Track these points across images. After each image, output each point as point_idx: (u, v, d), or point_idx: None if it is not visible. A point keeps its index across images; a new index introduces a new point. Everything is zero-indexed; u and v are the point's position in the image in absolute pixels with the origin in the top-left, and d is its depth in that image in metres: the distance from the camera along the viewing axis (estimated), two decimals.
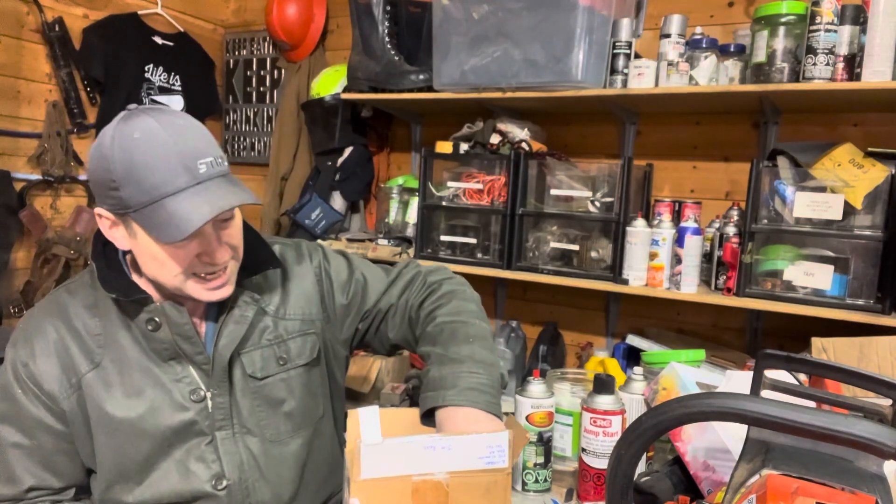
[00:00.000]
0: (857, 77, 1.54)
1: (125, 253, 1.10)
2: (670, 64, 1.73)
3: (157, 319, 1.05)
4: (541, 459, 1.31)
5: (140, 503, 1.08)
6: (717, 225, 1.79)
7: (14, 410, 1.06)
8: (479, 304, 1.23)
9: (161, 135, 0.95)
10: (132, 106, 1.02)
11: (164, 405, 1.07)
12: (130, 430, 1.06)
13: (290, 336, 1.18)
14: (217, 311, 1.12)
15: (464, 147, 2.08)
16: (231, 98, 2.91)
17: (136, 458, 1.07)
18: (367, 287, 1.26)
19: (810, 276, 1.58)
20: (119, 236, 1.03)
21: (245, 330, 1.11)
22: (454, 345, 1.09)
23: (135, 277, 1.09)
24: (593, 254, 1.87)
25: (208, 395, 1.09)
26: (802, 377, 1.19)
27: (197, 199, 0.95)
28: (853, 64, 1.56)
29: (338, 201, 2.45)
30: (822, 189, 1.56)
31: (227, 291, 1.06)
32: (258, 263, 1.14)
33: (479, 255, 2.04)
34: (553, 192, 1.92)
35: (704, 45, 1.74)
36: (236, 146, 2.90)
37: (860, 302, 1.55)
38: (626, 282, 1.78)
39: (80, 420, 1.07)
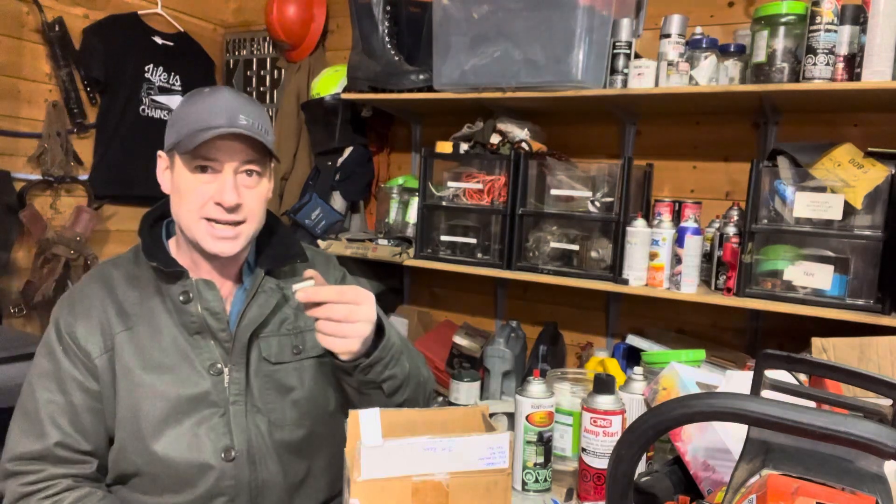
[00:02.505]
0: (857, 77, 1.54)
1: (168, 235, 1.24)
2: (670, 64, 1.73)
3: (189, 293, 1.15)
4: (541, 459, 1.31)
5: (150, 470, 1.13)
6: (717, 225, 1.79)
7: (54, 367, 1.13)
8: (425, 383, 1.31)
9: (223, 95, 1.13)
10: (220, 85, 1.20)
11: (184, 373, 1.14)
12: (150, 390, 1.13)
13: (308, 328, 1.25)
14: (244, 295, 1.21)
15: (464, 147, 2.08)
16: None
17: (151, 417, 1.12)
18: None
19: (810, 276, 1.58)
20: (165, 179, 1.18)
21: (266, 315, 1.20)
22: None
23: (174, 254, 1.21)
24: (593, 254, 1.87)
25: (226, 370, 1.16)
26: (802, 377, 1.19)
27: (222, 132, 1.08)
28: (853, 64, 1.56)
29: (338, 201, 2.45)
30: (822, 189, 1.56)
31: (233, 247, 1.15)
32: (287, 255, 1.26)
33: (480, 255, 2.04)
34: (553, 192, 1.92)
35: (704, 45, 1.74)
36: None
37: (860, 302, 1.55)
38: (626, 282, 1.78)
39: (109, 377, 1.14)
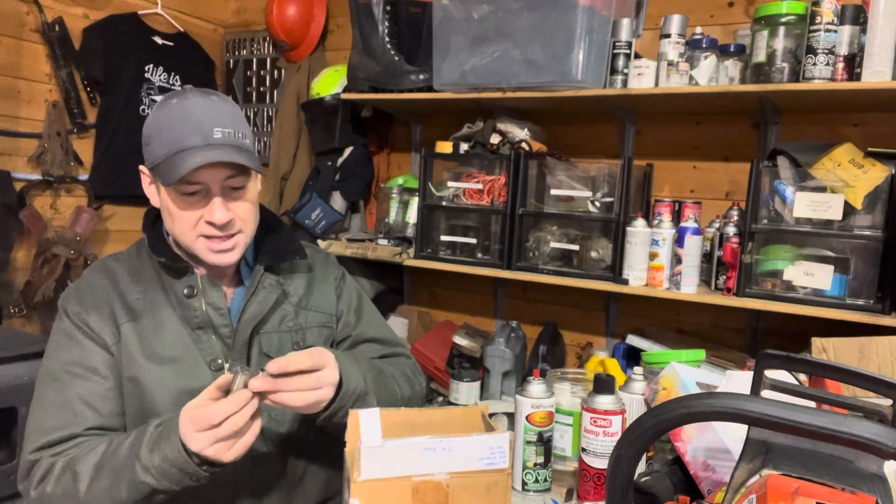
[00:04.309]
0: (857, 77, 1.54)
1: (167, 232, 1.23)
2: (670, 64, 1.73)
3: (195, 288, 1.17)
4: (541, 459, 1.31)
5: None
6: (717, 225, 1.79)
7: (78, 355, 1.13)
8: (412, 398, 1.32)
9: (192, 104, 1.09)
10: (188, 87, 1.15)
11: (187, 367, 1.15)
12: (152, 382, 1.14)
13: (309, 326, 1.27)
14: (244, 292, 1.22)
15: (464, 147, 2.08)
16: (231, 98, 2.90)
17: (153, 409, 1.12)
18: (368, 319, 1.41)
19: (810, 276, 1.58)
20: (152, 193, 1.17)
21: (266, 311, 1.21)
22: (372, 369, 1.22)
23: (177, 251, 1.21)
24: (593, 254, 1.87)
25: (226, 365, 1.17)
26: (802, 377, 1.19)
27: (200, 153, 1.06)
28: (853, 64, 1.56)
29: (338, 201, 2.45)
30: (822, 189, 1.56)
31: (231, 257, 1.16)
32: (286, 251, 1.27)
33: (479, 255, 2.04)
34: (553, 192, 1.92)
35: (704, 45, 1.74)
36: None
37: (860, 302, 1.55)
38: (626, 282, 1.78)
39: (120, 366, 1.15)
